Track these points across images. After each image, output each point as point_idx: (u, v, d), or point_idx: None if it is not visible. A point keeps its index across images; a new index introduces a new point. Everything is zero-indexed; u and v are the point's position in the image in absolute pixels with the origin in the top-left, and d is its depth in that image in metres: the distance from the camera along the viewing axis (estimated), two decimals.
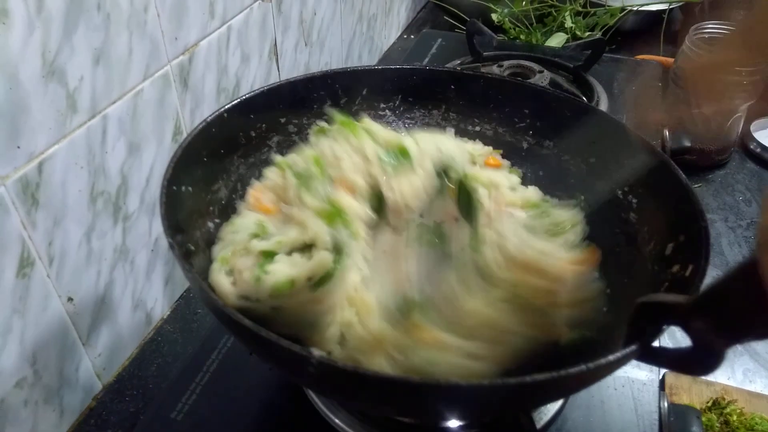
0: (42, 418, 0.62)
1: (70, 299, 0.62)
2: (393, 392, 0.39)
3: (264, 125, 0.64)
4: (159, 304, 0.77)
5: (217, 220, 0.58)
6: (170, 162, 0.51)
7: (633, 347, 0.40)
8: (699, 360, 0.37)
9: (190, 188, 0.54)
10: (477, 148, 0.68)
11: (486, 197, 0.59)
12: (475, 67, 1.12)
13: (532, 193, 0.64)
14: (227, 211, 0.59)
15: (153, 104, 0.67)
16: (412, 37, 1.46)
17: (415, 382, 0.38)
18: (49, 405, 0.63)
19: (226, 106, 0.59)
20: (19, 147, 0.52)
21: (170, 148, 0.72)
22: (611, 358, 0.39)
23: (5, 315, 0.55)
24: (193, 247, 0.52)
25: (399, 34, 1.46)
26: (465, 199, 0.59)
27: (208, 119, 0.57)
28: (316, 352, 0.37)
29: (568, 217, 0.60)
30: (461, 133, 0.72)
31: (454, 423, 0.57)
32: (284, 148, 0.66)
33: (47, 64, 0.53)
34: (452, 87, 0.71)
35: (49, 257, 0.58)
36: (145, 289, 0.74)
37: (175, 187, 0.51)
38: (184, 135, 0.74)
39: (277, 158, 0.62)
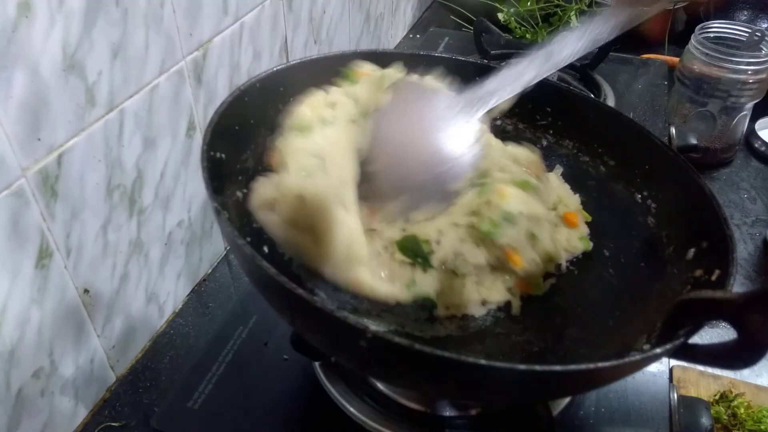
0: (58, 409, 0.63)
1: (86, 291, 0.63)
2: (447, 372, 0.39)
3: (293, 99, 0.63)
4: (171, 297, 0.78)
5: (245, 190, 0.58)
6: (208, 126, 0.52)
7: (677, 342, 0.40)
8: (742, 354, 0.38)
9: (223, 155, 0.54)
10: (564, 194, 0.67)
11: None
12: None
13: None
14: (254, 182, 0.59)
15: (168, 100, 0.68)
16: (418, 36, 1.47)
17: (479, 365, 0.37)
18: (64, 395, 0.63)
19: (260, 76, 0.59)
20: (39, 139, 0.53)
21: (184, 143, 0.73)
22: (658, 350, 0.39)
23: (24, 305, 0.56)
24: (227, 214, 0.52)
25: (405, 33, 1.47)
26: None
27: (242, 87, 0.57)
28: (372, 327, 0.37)
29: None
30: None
31: (472, 410, 0.59)
32: None
33: (67, 57, 0.54)
34: (476, 80, 0.71)
35: (66, 249, 0.59)
36: (158, 283, 0.75)
37: (212, 153, 0.51)
38: (198, 131, 0.75)
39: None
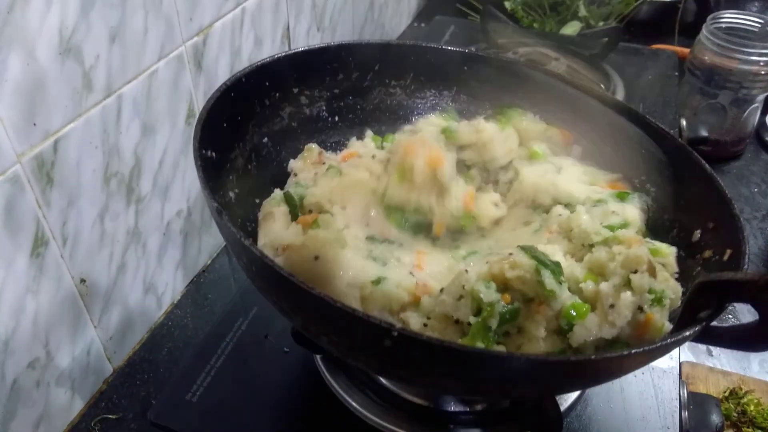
0: (53, 400, 0.62)
1: (82, 281, 0.62)
2: (472, 365, 0.38)
3: (278, 94, 0.63)
4: (170, 288, 0.77)
5: (236, 190, 0.57)
6: (197, 123, 0.50)
7: (699, 326, 0.40)
8: (765, 336, 0.39)
9: (213, 153, 0.52)
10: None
11: None
12: (491, 54, 1.11)
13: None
14: (244, 181, 0.58)
15: (167, 85, 0.67)
16: (423, 24, 1.45)
17: (514, 357, 0.38)
18: (60, 387, 0.62)
19: (245, 71, 0.58)
20: (35, 124, 0.52)
21: (183, 130, 0.71)
22: (686, 333, 0.39)
23: (19, 294, 0.55)
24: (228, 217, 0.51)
25: (410, 21, 1.45)
26: None
27: (228, 83, 0.56)
28: (398, 324, 0.36)
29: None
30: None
31: (477, 406, 0.57)
32: (295, 119, 0.65)
33: (64, 41, 0.52)
34: (465, 68, 0.70)
35: (63, 237, 0.58)
36: (157, 273, 0.73)
37: (203, 151, 0.50)
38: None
39: None
